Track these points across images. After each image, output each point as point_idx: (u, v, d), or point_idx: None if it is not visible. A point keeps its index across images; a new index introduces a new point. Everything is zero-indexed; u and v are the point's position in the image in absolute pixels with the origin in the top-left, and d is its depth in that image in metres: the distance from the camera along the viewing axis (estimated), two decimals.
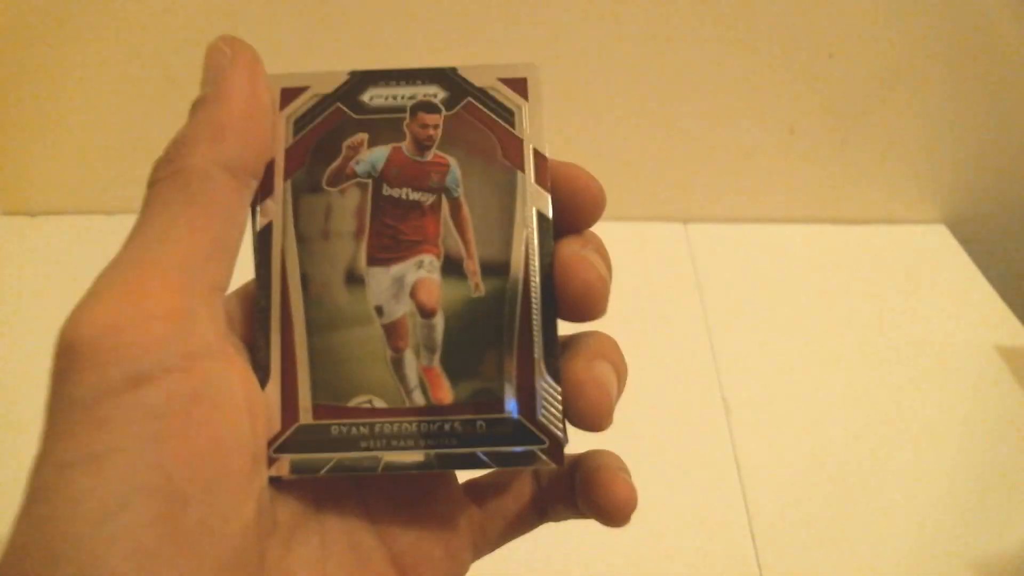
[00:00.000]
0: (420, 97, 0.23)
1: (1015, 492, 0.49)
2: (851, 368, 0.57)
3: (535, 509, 0.24)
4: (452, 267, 0.21)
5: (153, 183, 0.19)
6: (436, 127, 0.22)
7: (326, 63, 0.59)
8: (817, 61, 0.60)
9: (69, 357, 0.16)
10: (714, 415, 0.53)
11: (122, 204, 0.64)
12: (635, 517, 0.23)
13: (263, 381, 0.21)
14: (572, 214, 0.22)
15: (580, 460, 0.23)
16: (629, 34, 0.59)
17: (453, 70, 0.23)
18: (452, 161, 0.22)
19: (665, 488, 0.48)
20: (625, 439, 0.51)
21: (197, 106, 0.20)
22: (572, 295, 0.21)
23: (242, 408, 0.19)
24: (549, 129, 0.22)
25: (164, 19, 0.57)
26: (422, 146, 0.22)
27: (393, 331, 0.21)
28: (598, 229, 0.23)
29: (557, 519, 0.24)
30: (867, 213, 0.69)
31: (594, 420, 0.20)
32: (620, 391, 0.22)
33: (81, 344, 0.16)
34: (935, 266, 0.66)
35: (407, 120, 0.22)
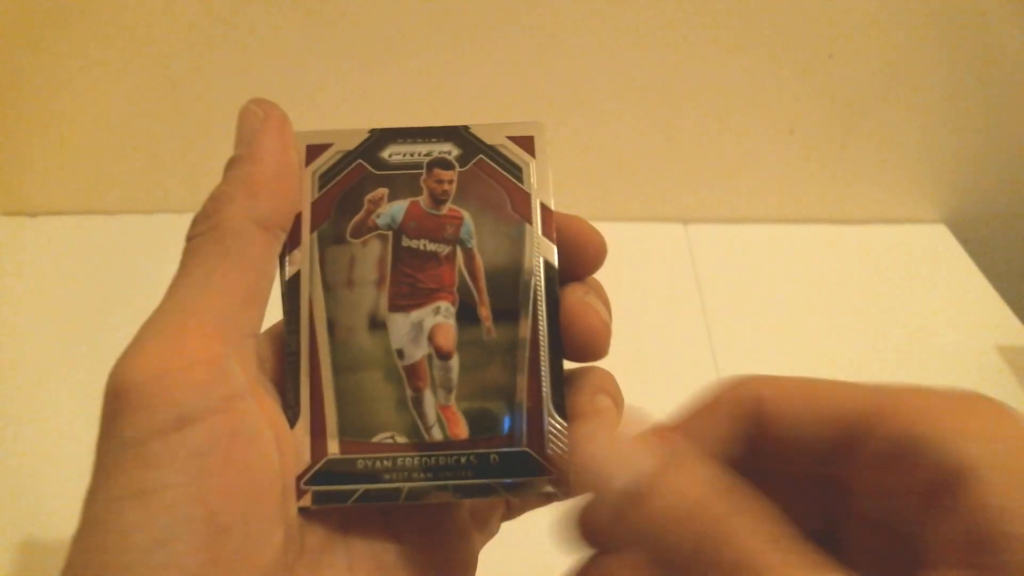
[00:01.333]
0: (436, 154, 0.24)
1: None
2: (851, 368, 0.57)
3: (507, 509, 0.27)
4: (466, 313, 0.23)
5: (192, 237, 0.21)
6: (451, 182, 0.24)
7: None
8: (817, 61, 0.60)
9: (119, 400, 0.18)
10: None
11: (122, 204, 0.64)
12: None
13: (293, 419, 0.22)
14: (576, 262, 0.24)
15: None
16: (629, 34, 0.59)
17: (466, 128, 0.24)
18: (466, 214, 0.24)
19: None
20: None
21: (232, 165, 0.22)
22: (577, 339, 0.23)
23: (272, 445, 0.20)
24: (555, 179, 0.24)
25: (164, 19, 0.57)
26: (438, 200, 0.24)
27: (413, 372, 0.23)
28: (598, 228, 0.24)
29: (517, 515, 0.27)
30: (867, 213, 0.69)
31: None
32: (619, 423, 0.24)
33: (130, 389, 0.18)
34: (935, 266, 0.66)
35: (424, 176, 0.24)
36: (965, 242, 0.68)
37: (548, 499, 0.24)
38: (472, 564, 0.25)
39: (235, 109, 0.23)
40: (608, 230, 0.24)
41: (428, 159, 0.24)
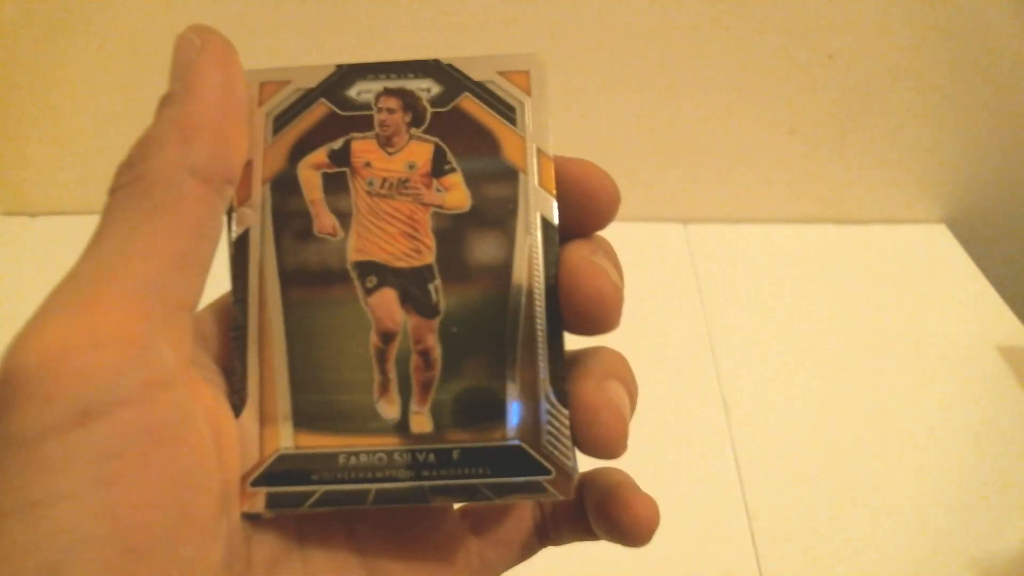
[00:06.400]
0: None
1: (1015, 492, 0.49)
2: (851, 368, 0.57)
3: (537, 534, 0.23)
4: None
5: (114, 190, 0.17)
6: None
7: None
8: (817, 61, 0.60)
9: (10, 388, 0.14)
10: (714, 415, 0.53)
11: None
12: None
13: (239, 408, 0.19)
14: (582, 216, 0.20)
15: (588, 479, 0.22)
16: (629, 33, 0.59)
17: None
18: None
19: (665, 488, 0.47)
20: None
21: (164, 103, 0.18)
22: (582, 306, 0.19)
23: (208, 442, 0.17)
24: (555, 126, 0.20)
25: (164, 18, 0.57)
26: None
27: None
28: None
29: (560, 543, 0.23)
30: (867, 213, 0.69)
31: (609, 448, 0.19)
32: (632, 414, 0.20)
33: (24, 373, 0.14)
34: (935, 266, 0.66)
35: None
36: (965, 242, 0.67)
37: (545, 500, 0.20)
38: None
39: None
40: (608, 230, 0.23)
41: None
